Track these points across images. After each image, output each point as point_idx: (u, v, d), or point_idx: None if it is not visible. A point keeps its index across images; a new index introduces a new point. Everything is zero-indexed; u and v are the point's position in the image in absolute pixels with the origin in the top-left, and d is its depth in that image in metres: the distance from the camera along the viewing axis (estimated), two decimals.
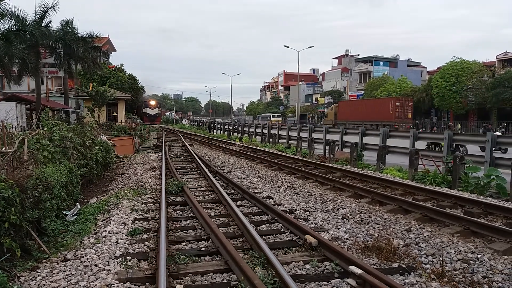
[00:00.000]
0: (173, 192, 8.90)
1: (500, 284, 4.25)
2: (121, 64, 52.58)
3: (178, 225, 6.63)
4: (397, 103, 43.32)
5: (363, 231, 6.13)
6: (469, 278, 4.38)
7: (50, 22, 26.78)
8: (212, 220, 6.54)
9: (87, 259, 4.96)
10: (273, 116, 72.22)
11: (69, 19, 30.68)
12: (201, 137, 30.81)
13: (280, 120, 67.13)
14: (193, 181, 10.96)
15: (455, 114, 46.84)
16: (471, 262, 4.74)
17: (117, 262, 4.89)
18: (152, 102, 62.71)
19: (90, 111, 28.59)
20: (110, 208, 7.62)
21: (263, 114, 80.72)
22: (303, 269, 4.70)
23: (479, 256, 4.87)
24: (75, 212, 7.29)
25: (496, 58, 50.47)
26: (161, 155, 16.20)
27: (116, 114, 37.37)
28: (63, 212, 7.08)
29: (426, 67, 74.89)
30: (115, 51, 63.97)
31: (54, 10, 25.84)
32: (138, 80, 57.59)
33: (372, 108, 45.19)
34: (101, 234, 5.95)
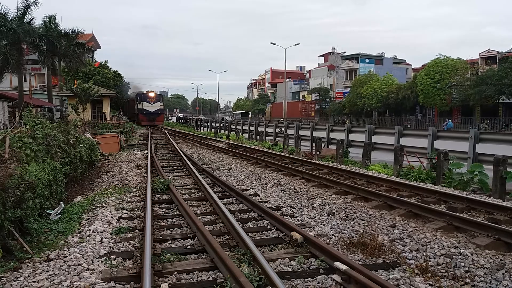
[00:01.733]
0: (159, 190, 8.84)
1: (482, 278, 4.32)
2: (105, 61, 51.96)
3: (164, 223, 6.59)
4: (303, 106, 64.86)
5: (348, 227, 6.18)
6: (452, 272, 4.45)
7: (33, 18, 26.29)
8: (198, 218, 6.51)
9: (71, 258, 4.89)
10: (243, 114, 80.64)
11: (52, 15, 30.18)
12: (188, 134, 30.64)
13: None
14: (180, 179, 10.89)
15: (440, 111, 47.50)
16: (454, 256, 4.82)
17: (102, 261, 4.84)
18: (151, 94, 46.89)
19: (74, 109, 28.20)
20: (94, 207, 7.53)
21: (237, 112, 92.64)
22: (289, 266, 4.72)
23: (461, 250, 4.95)
24: (59, 211, 7.18)
25: (479, 55, 51.27)
26: (147, 153, 16.07)
27: (105, 112, 36.99)
28: (47, 211, 6.97)
29: (411, 65, 75.76)
30: (99, 47, 62.88)
31: (36, 4, 25.36)
32: (123, 77, 56.98)
33: (290, 108, 63.43)
34: (85, 233, 5.88)
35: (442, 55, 47.53)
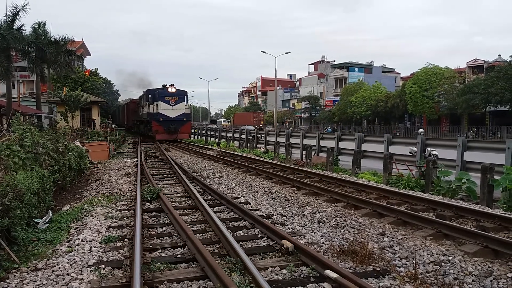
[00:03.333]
0: (149, 198, 8.79)
1: (470, 286, 4.36)
2: (96, 68, 51.71)
3: (154, 232, 6.55)
4: (254, 116, 74.86)
5: (338, 235, 6.20)
6: (441, 280, 4.49)
7: (22, 25, 26.10)
8: (189, 226, 6.48)
9: (59, 268, 4.83)
10: (224, 121, 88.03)
11: (42, 21, 30.00)
12: (178, 142, 30.53)
13: (228, 125, 77.61)
14: (170, 187, 10.84)
15: (428, 119, 48.07)
16: (443, 264, 4.86)
17: (91, 270, 4.78)
18: (172, 90, 30.30)
19: (63, 116, 27.98)
20: (83, 216, 7.45)
21: (218, 119, 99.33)
22: (280, 274, 4.71)
23: (450, 258, 5.00)
24: (47, 220, 7.09)
25: (467, 64, 52.11)
26: (137, 161, 15.97)
27: (94, 119, 36.74)
28: (35, 220, 6.88)
29: (400, 73, 76.66)
30: (89, 55, 62.55)
31: (24, 10, 25.19)
32: (113, 84, 56.73)
33: (246, 118, 74.99)
34: (74, 242, 5.81)
35: (431, 64, 48.27)
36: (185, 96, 30.58)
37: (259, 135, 24.93)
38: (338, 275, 4.23)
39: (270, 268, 4.83)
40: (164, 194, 9.06)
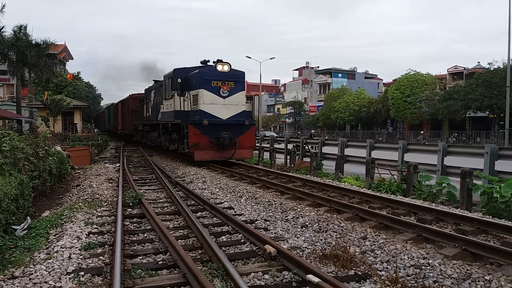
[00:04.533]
0: (131, 204, 8.68)
1: None
2: (78, 72, 51.08)
3: (135, 238, 6.47)
4: None
5: (321, 240, 6.23)
6: (421, 283, 4.54)
7: (3, 27, 25.69)
8: (171, 232, 6.43)
9: (37, 276, 4.72)
10: None
11: (23, 24, 29.55)
12: (161, 147, 30.18)
13: None
14: (152, 192, 10.74)
15: (410, 125, 48.85)
16: (423, 267, 4.92)
17: (69, 278, 4.69)
18: (224, 68, 16.05)
19: (44, 121, 27.50)
20: (63, 222, 7.31)
21: None
22: (262, 280, 4.71)
23: (430, 261, 5.06)
24: (25, 227, 6.93)
25: (447, 71, 53.24)
26: (119, 166, 15.78)
27: (76, 123, 36.16)
28: (12, 226, 6.72)
29: (382, 79, 77.89)
30: (72, 58, 61.82)
31: (1, 12, 24.81)
32: (95, 88, 56.10)
33: None
34: (53, 249, 5.69)
35: (413, 70, 49.14)
36: (244, 81, 17.15)
37: None
38: (320, 280, 4.24)
39: (253, 273, 4.82)
40: (146, 200, 8.96)
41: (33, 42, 29.52)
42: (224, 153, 15.91)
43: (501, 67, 37.75)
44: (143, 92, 25.64)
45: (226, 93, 16.02)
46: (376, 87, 72.38)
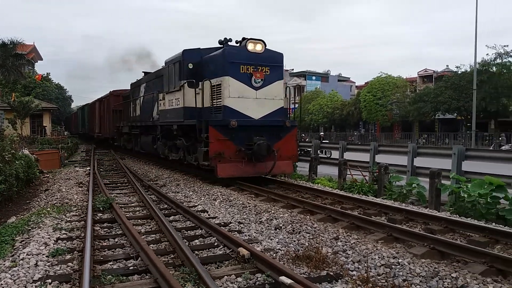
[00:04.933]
0: (101, 208, 8.49)
1: (418, 286, 4.53)
2: (48, 73, 49.70)
3: (106, 243, 6.32)
4: None
5: (294, 241, 6.26)
6: (391, 282, 4.63)
7: None
8: (142, 237, 6.32)
9: (1, 284, 4.54)
10: None
11: None
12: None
13: None
14: (124, 196, 10.54)
15: (382, 126, 49.89)
16: (393, 266, 5.02)
17: (36, 286, 4.54)
18: (256, 47, 11.58)
19: (12, 123, 26.63)
20: (30, 228, 7.07)
21: None
22: (235, 283, 4.69)
23: (400, 260, 5.17)
24: None
25: (418, 74, 54.70)
26: (90, 170, 15.43)
27: (45, 126, 35.12)
28: None
29: (355, 82, 79.18)
30: (41, 59, 59.88)
31: None
32: (66, 89, 54.73)
33: None
34: (19, 256, 5.49)
35: (384, 73, 50.24)
36: (283, 67, 12.87)
37: None
38: (292, 281, 4.26)
39: (226, 276, 4.79)
40: (117, 204, 8.79)
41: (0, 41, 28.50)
42: (258, 166, 11.43)
43: (468, 70, 39.09)
44: (129, 88, 21.91)
45: (259, 82, 11.71)
46: (349, 90, 73.54)
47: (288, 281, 4.27)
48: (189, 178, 13.83)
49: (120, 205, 8.88)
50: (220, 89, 11.44)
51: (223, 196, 10.15)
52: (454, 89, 38.48)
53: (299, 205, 8.74)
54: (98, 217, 7.95)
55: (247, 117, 11.54)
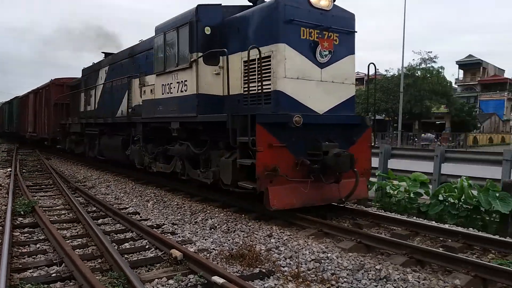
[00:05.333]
0: (22, 212, 7.87)
1: (345, 279, 4.73)
2: None
3: (26, 250, 5.88)
4: None
5: (229, 240, 6.26)
6: (320, 276, 4.78)
7: None
8: (67, 241, 5.96)
9: None
10: None
11: None
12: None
13: None
14: (48, 199, 9.88)
15: None
16: (322, 261, 5.19)
17: None
18: (322, 1, 7.22)
19: None
20: None
21: None
22: (166, 285, 4.58)
23: (329, 255, 5.36)
24: None
25: None
26: (10, 171, 14.29)
27: None
28: None
29: None
30: None
31: None
32: None
33: None
34: None
35: None
36: (354, 33, 8.04)
37: None
38: (224, 280, 4.25)
39: (156, 279, 4.66)
40: (40, 207, 8.21)
41: None
42: (328, 190, 7.35)
43: (396, 74, 41.70)
44: (78, 76, 17.49)
45: (326, 56, 7.51)
46: None
47: (220, 280, 4.25)
48: (121, 179, 13.31)
49: (43, 209, 8.32)
50: (269, 65, 7.11)
51: (157, 197, 9.91)
52: (383, 92, 40.84)
53: (235, 204, 8.72)
54: (18, 222, 7.37)
55: (309, 110, 7.35)
